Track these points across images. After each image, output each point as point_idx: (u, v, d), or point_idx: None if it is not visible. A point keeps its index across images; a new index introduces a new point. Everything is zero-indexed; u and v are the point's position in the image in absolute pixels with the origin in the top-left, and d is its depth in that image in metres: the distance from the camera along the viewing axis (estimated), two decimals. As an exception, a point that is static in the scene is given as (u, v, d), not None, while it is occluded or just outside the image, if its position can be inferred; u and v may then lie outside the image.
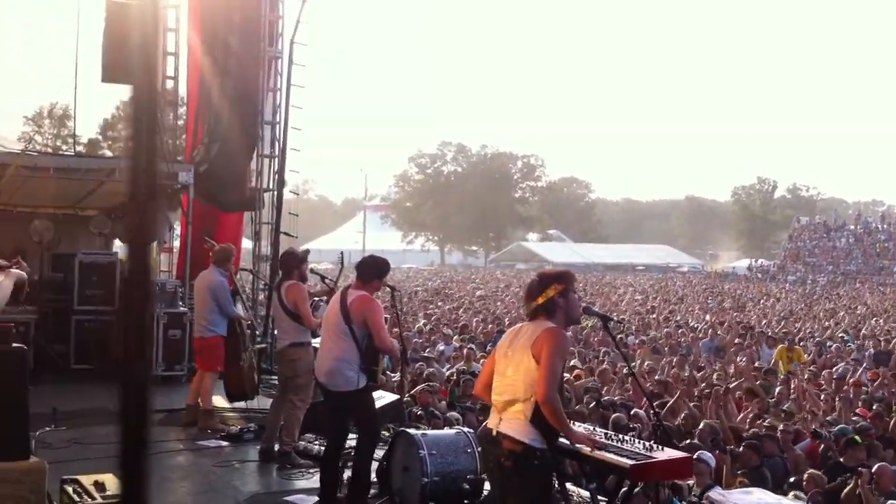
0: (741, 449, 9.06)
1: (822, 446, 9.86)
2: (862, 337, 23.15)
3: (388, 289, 8.55)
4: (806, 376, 14.83)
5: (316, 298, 10.12)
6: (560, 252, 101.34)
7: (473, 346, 17.23)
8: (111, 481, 5.60)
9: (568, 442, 5.75)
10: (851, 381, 14.21)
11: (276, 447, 8.63)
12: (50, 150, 49.81)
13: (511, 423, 5.21)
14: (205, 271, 10.35)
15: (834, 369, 16.07)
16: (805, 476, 8.70)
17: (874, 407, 12.01)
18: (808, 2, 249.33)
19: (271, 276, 13.16)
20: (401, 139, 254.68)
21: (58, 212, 15.55)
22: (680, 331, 23.41)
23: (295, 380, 8.67)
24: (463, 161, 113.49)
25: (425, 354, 16.25)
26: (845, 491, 8.41)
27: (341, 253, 11.71)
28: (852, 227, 74.34)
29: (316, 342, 8.36)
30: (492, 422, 5.44)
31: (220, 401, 10.75)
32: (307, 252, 9.66)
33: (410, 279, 55.54)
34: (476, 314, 27.31)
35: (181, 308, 13.06)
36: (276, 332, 9.68)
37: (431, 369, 14.11)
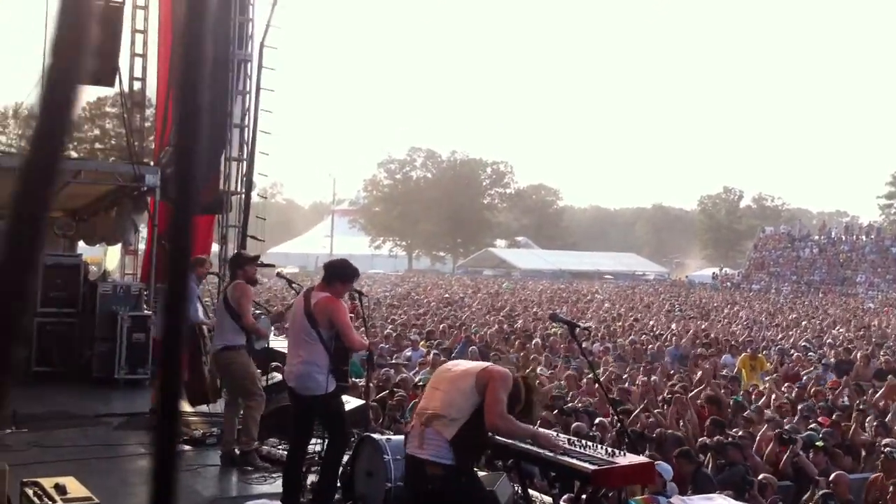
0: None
1: (789, 451, 9.94)
2: (827, 346, 23.41)
3: (355, 293, 8.55)
4: (767, 385, 15.01)
5: (259, 312, 10.14)
6: (528, 259, 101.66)
7: (438, 352, 17.22)
8: (71, 484, 5.55)
9: (535, 447, 5.85)
10: (813, 389, 14.42)
11: (237, 450, 8.60)
12: (14, 150, 49.36)
13: (432, 443, 5.30)
14: None
15: (798, 377, 16.32)
16: (761, 478, 8.82)
17: (834, 416, 12.16)
18: (775, 17, 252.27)
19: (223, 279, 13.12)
20: (370, 144, 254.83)
21: (21, 212, 15.35)
22: (644, 338, 23.55)
23: (239, 384, 8.69)
24: (432, 167, 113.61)
25: (392, 361, 16.22)
26: (803, 500, 8.53)
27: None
28: (816, 237, 75.19)
29: (283, 347, 8.31)
30: (412, 442, 5.52)
31: (182, 405, 10.67)
32: (257, 256, 9.68)
33: (378, 284, 55.43)
34: (443, 320, 27.32)
35: (145, 311, 12.96)
36: (213, 334, 9.67)
37: (403, 374, 14.11)
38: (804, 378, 16.33)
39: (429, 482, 5.33)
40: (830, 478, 8.70)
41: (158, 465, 1.02)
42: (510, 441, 6.14)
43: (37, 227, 0.91)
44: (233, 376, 8.68)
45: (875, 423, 11.46)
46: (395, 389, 12.34)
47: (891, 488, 8.37)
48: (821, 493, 8.15)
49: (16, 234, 0.88)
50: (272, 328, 10.34)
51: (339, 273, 7.31)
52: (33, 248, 0.89)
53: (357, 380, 12.38)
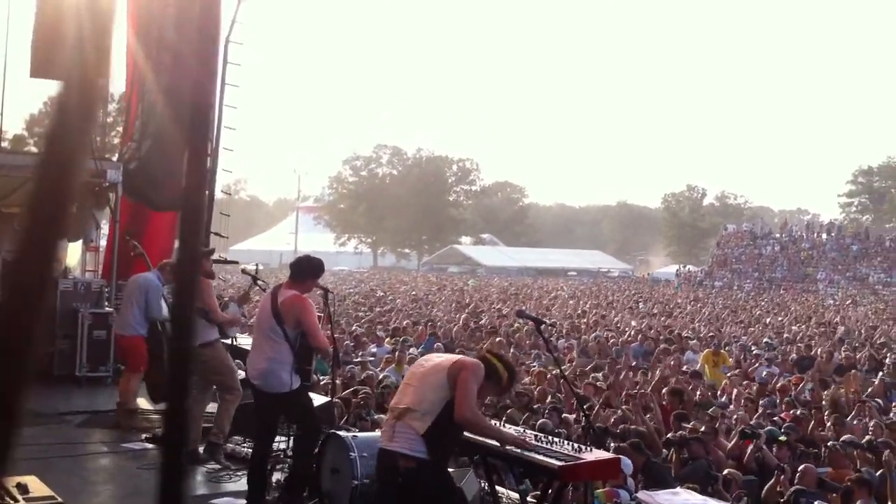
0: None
1: (752, 445, 10.04)
2: (785, 342, 23.66)
3: (320, 290, 8.51)
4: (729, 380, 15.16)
5: (226, 299, 10.08)
6: (493, 256, 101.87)
7: (403, 350, 17.17)
8: (34, 483, 5.48)
9: (499, 444, 5.86)
10: (779, 385, 14.60)
11: (200, 448, 8.54)
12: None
13: (403, 437, 5.28)
14: (145, 273, 10.32)
15: (757, 373, 16.51)
16: (725, 473, 8.90)
17: (797, 411, 12.30)
18: (737, 17, 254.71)
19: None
20: (336, 141, 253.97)
21: (-19, 208, 15.13)
22: (609, 334, 23.67)
23: (217, 379, 8.62)
24: (398, 164, 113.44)
25: (358, 358, 16.16)
26: (766, 487, 8.62)
27: (256, 266, 11.42)
28: (778, 235, 76.02)
29: (245, 344, 8.24)
30: (384, 436, 5.52)
31: (145, 403, 10.61)
32: (212, 250, 9.62)
33: (343, 282, 55.25)
34: (408, 316, 27.30)
35: (106, 308, 12.81)
36: None
37: (368, 372, 14.07)
38: (763, 374, 16.50)
39: (399, 475, 5.29)
40: (799, 469, 8.78)
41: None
42: (477, 438, 6.14)
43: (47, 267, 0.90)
44: (211, 371, 8.59)
45: (833, 420, 11.60)
46: (358, 387, 12.28)
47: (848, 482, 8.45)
48: (792, 489, 8.22)
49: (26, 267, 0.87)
50: (240, 311, 10.27)
51: (307, 269, 7.29)
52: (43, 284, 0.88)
53: (322, 377, 12.33)
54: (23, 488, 5.47)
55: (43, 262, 0.88)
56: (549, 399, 12.31)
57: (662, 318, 32.22)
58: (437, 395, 5.32)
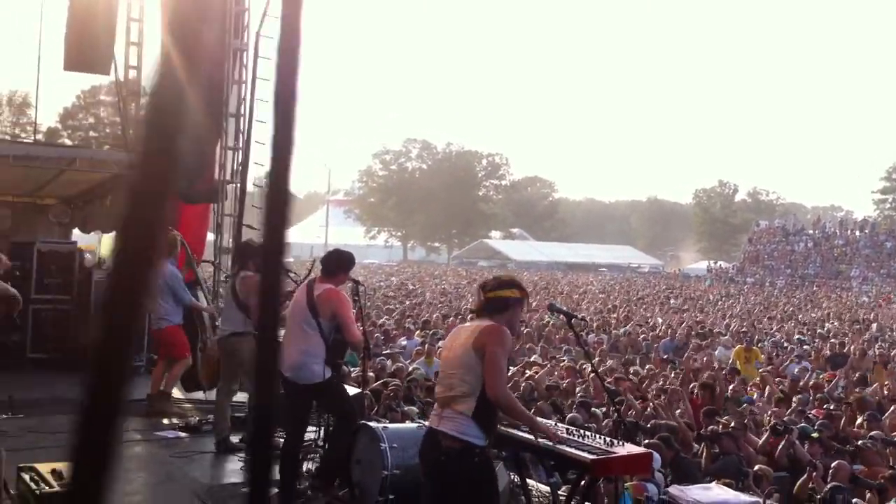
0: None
1: (784, 442, 9.96)
2: (819, 338, 23.45)
3: (351, 283, 8.53)
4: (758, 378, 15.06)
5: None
6: (523, 250, 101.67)
7: (432, 343, 17.22)
8: (69, 470, 5.55)
9: (532, 436, 5.83)
10: (811, 383, 14.48)
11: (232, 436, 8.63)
12: (8, 137, 49.17)
13: (452, 420, 5.22)
14: None
15: (788, 370, 16.38)
16: (756, 469, 8.85)
17: (830, 407, 12.19)
18: (771, 11, 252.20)
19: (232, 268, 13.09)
20: (366, 135, 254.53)
21: (16, 200, 15.34)
22: (640, 329, 23.59)
23: (247, 370, 8.65)
24: (428, 158, 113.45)
25: (388, 351, 16.25)
26: (798, 483, 8.56)
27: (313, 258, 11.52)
28: (811, 231, 75.24)
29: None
30: (432, 420, 5.49)
31: (178, 392, 10.71)
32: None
33: (373, 275, 55.39)
34: (438, 309, 27.35)
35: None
36: (219, 320, 9.64)
37: (399, 364, 14.17)
38: (795, 371, 16.38)
39: (442, 454, 5.25)
40: (832, 465, 8.71)
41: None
42: (508, 431, 6.12)
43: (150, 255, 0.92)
44: (240, 362, 8.63)
45: (866, 416, 11.48)
46: (388, 379, 12.34)
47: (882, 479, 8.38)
48: (829, 485, 8.16)
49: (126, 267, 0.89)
50: None
51: (339, 263, 7.36)
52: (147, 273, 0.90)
53: (352, 369, 12.40)
54: (58, 475, 5.54)
55: (143, 267, 0.90)
56: (578, 392, 12.29)
57: (694, 314, 32.02)
58: (471, 373, 5.21)
